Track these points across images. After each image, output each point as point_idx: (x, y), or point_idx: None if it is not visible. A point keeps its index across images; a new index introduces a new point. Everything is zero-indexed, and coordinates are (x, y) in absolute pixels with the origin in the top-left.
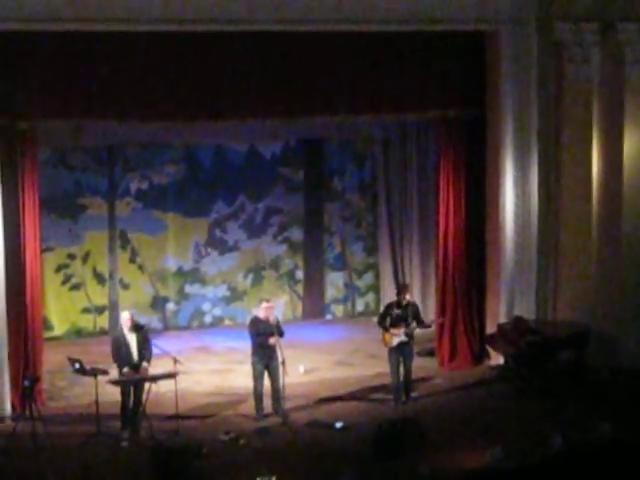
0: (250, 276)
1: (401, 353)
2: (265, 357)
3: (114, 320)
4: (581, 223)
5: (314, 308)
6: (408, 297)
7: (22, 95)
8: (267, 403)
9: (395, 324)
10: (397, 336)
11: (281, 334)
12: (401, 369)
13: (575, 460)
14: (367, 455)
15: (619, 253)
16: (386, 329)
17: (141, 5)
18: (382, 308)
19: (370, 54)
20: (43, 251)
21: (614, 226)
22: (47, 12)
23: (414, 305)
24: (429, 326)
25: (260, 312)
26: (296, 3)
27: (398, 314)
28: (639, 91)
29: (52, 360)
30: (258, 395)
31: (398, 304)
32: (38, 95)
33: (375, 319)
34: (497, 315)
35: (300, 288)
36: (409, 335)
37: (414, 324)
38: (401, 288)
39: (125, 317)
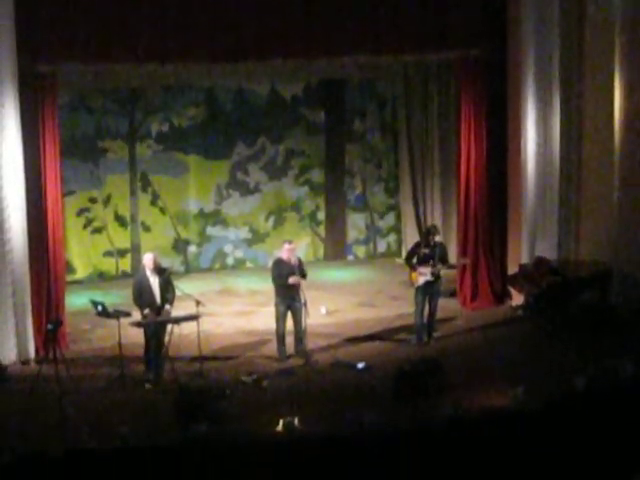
0: (272, 218)
1: (427, 292)
2: (287, 298)
3: (136, 263)
4: (603, 161)
5: (336, 249)
6: (437, 238)
7: (43, 38)
8: (289, 344)
9: (422, 263)
10: (424, 275)
11: (304, 276)
12: (425, 309)
13: (598, 400)
14: (389, 395)
15: None
16: (413, 268)
17: None
18: (404, 249)
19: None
20: (64, 195)
21: (637, 164)
22: None
23: (442, 246)
24: (455, 267)
25: (282, 254)
26: None
27: (426, 253)
28: None
29: (75, 303)
30: (280, 336)
31: (426, 244)
32: (59, 38)
33: (397, 260)
34: (519, 255)
35: (322, 229)
36: (436, 275)
37: (440, 264)
38: (430, 230)
39: (148, 259)
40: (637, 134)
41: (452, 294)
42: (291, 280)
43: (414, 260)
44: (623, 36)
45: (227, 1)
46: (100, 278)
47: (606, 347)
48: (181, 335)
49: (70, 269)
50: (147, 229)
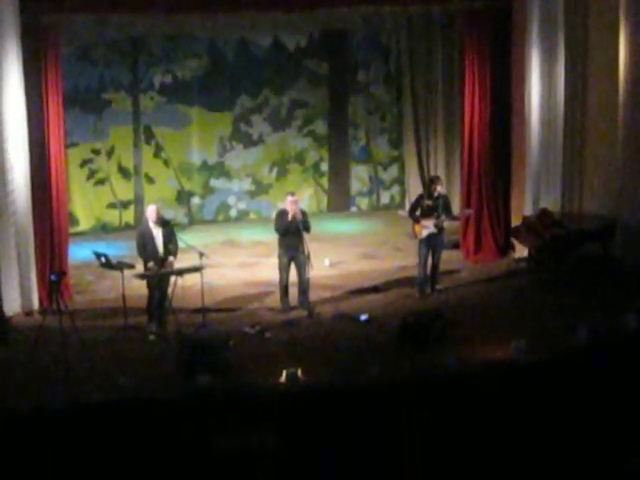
0: (275, 169)
1: (430, 245)
2: (291, 250)
3: (139, 214)
4: (608, 111)
5: (339, 201)
6: (439, 189)
7: None
8: (293, 296)
9: (426, 216)
10: (427, 228)
11: (307, 229)
12: (429, 261)
13: (601, 352)
14: (391, 347)
15: None
16: (416, 220)
17: None
18: (407, 201)
19: None
20: (67, 146)
21: None
22: None
23: (445, 197)
24: (459, 218)
25: (286, 205)
26: None
27: (429, 205)
28: None
29: (78, 255)
30: (283, 288)
31: (430, 195)
32: None
33: (400, 212)
34: (522, 207)
35: (325, 181)
36: (439, 227)
37: (444, 216)
38: (433, 180)
39: (151, 210)
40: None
41: (455, 246)
42: (290, 216)
43: (417, 212)
44: None
45: None
46: (103, 230)
47: (608, 300)
48: (185, 287)
49: (73, 221)
50: (150, 181)
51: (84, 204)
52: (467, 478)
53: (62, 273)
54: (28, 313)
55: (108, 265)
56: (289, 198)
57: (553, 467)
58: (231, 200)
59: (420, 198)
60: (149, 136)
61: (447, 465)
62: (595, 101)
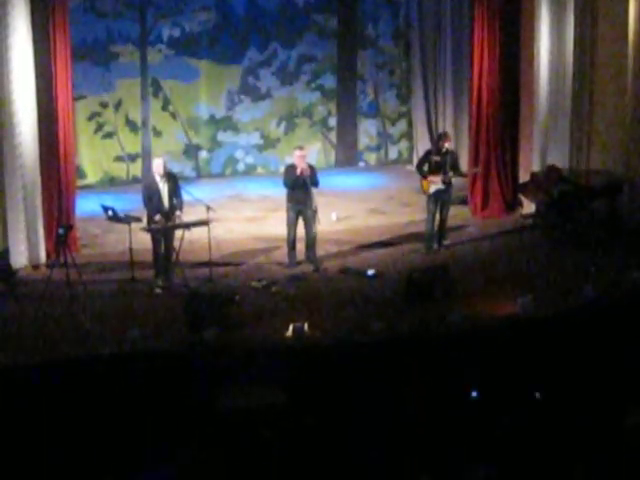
0: (283, 124)
1: (438, 200)
2: (299, 204)
3: (147, 168)
4: (617, 69)
5: (347, 156)
6: (447, 145)
7: None
8: (300, 251)
9: (434, 171)
10: (435, 183)
11: (315, 184)
12: (437, 217)
13: (606, 308)
14: (398, 302)
15: None
16: (424, 176)
17: None
18: (415, 156)
19: None
20: (75, 99)
21: None
22: None
23: (453, 153)
24: (466, 175)
25: (294, 160)
26: None
27: (437, 161)
28: None
29: (85, 208)
30: (291, 242)
31: (437, 151)
32: None
33: (408, 167)
34: (530, 164)
35: (333, 136)
36: (447, 183)
37: (452, 172)
38: (441, 136)
39: (158, 163)
40: None
41: (463, 202)
42: (298, 171)
43: (425, 168)
44: None
45: None
46: (111, 183)
47: (615, 256)
48: (191, 241)
49: (81, 174)
50: (158, 134)
51: (92, 157)
52: (465, 431)
53: (69, 226)
54: (35, 266)
55: (115, 218)
56: (297, 153)
57: (554, 423)
58: (239, 154)
59: (428, 154)
60: (157, 89)
61: (447, 418)
62: (604, 56)
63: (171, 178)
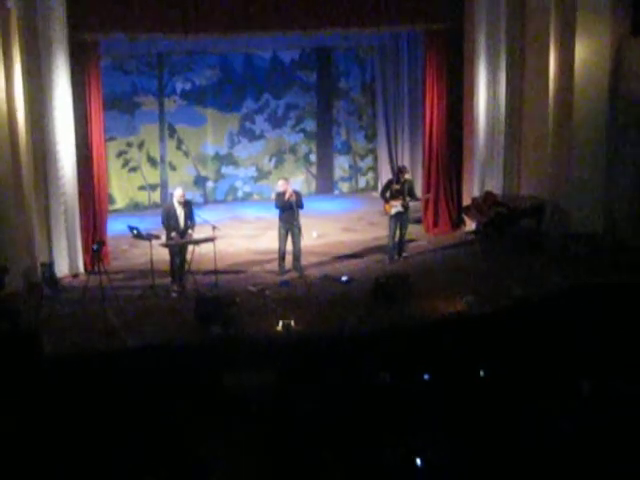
0: (273, 159)
1: (398, 220)
2: (287, 223)
3: (164, 196)
4: (540, 115)
5: (325, 185)
6: (405, 176)
7: (88, 13)
8: (288, 261)
9: (394, 197)
10: (395, 207)
11: (301, 206)
12: (397, 234)
13: (532, 305)
14: (367, 302)
15: (570, 140)
16: (387, 200)
17: None
18: (379, 185)
19: None
20: (106, 140)
21: (566, 117)
22: None
23: (410, 182)
24: (420, 200)
25: (280, 188)
26: None
27: (397, 189)
28: (589, 10)
29: (115, 228)
30: (281, 254)
31: (397, 181)
32: (100, 13)
33: (374, 194)
34: (471, 190)
35: (314, 169)
36: (405, 206)
37: (409, 198)
38: (400, 169)
39: (179, 193)
40: (566, 93)
41: (418, 221)
42: (286, 196)
43: (387, 194)
44: (556, 18)
45: None
46: (135, 208)
47: (539, 264)
48: (200, 254)
49: (111, 200)
50: (173, 168)
51: (120, 187)
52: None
53: (102, 243)
54: (75, 275)
55: (139, 236)
56: (280, 182)
57: (495, 395)
58: (238, 184)
59: (390, 183)
60: (172, 132)
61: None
62: (530, 103)
63: (187, 204)
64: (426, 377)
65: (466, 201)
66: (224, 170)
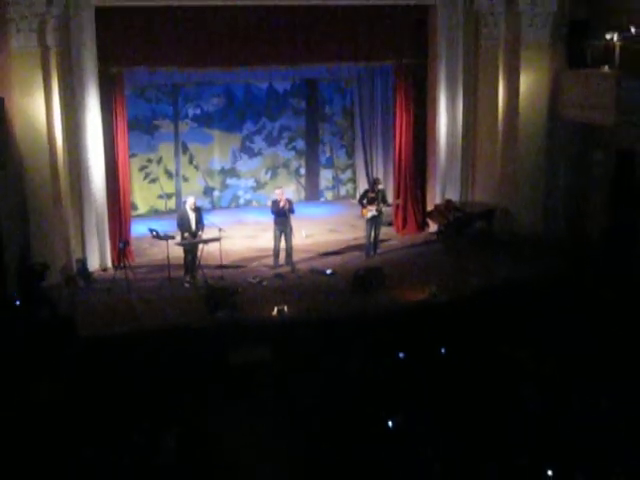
0: (269, 172)
1: (373, 223)
2: (281, 225)
3: (179, 203)
4: (491, 135)
5: (312, 193)
6: (379, 186)
7: (115, 50)
8: (281, 257)
9: (370, 203)
10: (371, 211)
11: (293, 212)
12: (372, 234)
13: (486, 293)
14: (347, 291)
15: (516, 155)
16: (364, 206)
17: None
18: (359, 193)
19: (351, 23)
20: (130, 157)
21: (512, 136)
22: None
23: (383, 191)
24: (391, 205)
25: (275, 196)
26: None
27: (372, 197)
28: (531, 47)
29: (138, 230)
30: (276, 252)
31: (372, 190)
32: (125, 50)
33: (353, 201)
34: (434, 198)
35: (303, 180)
36: (379, 211)
37: (382, 204)
38: (375, 180)
39: (191, 200)
40: (512, 116)
41: (389, 224)
42: (281, 204)
43: (364, 201)
44: (504, 54)
45: (241, 31)
46: (154, 213)
47: (491, 259)
48: (209, 251)
49: (134, 207)
50: (186, 180)
51: (142, 195)
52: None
53: (127, 242)
54: (104, 269)
55: (158, 237)
56: (276, 191)
57: (455, 369)
58: (240, 193)
59: (366, 192)
60: (185, 149)
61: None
62: (482, 126)
63: (198, 210)
64: (400, 355)
65: (430, 207)
66: (228, 181)
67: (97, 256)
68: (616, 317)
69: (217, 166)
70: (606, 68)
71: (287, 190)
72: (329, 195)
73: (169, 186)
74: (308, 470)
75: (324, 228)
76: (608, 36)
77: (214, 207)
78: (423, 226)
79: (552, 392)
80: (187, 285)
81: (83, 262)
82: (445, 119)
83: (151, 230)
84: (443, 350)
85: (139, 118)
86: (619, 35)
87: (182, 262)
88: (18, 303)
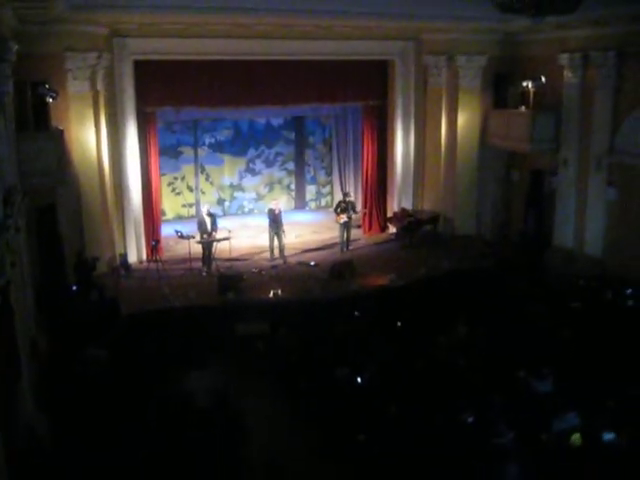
0: (267, 187)
1: (345, 227)
2: (275, 228)
3: (198, 210)
4: (435, 159)
5: (300, 204)
6: (350, 198)
7: (149, 93)
8: (276, 253)
9: (342, 211)
10: (343, 218)
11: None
12: (345, 235)
13: (432, 281)
14: (326, 279)
15: (455, 174)
16: (338, 214)
17: (216, 49)
18: (334, 204)
19: (329, 74)
20: (160, 175)
21: (452, 160)
22: (166, 49)
23: (352, 202)
24: (359, 213)
25: (271, 205)
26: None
27: (344, 206)
28: (466, 92)
29: (166, 231)
30: (271, 248)
31: (344, 201)
32: (156, 94)
33: (331, 210)
34: (393, 206)
35: (293, 194)
36: (349, 218)
37: (352, 212)
38: (346, 194)
39: (206, 208)
40: (452, 145)
41: (358, 227)
42: (276, 212)
43: (338, 210)
44: (446, 97)
45: (245, 80)
46: (179, 219)
47: (435, 254)
48: (220, 248)
49: (163, 213)
50: (203, 193)
51: (169, 205)
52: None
53: (158, 241)
54: (140, 262)
55: (182, 236)
56: (273, 202)
57: (409, 340)
58: (245, 203)
59: (340, 202)
60: (202, 169)
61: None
62: (429, 151)
63: (212, 216)
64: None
65: (389, 214)
66: (236, 194)
67: (135, 251)
68: (529, 297)
69: (227, 182)
70: (523, 108)
71: (280, 201)
72: (313, 205)
73: (190, 197)
74: (292, 414)
75: (309, 230)
76: (524, 84)
77: (225, 214)
78: (384, 228)
79: (478, 352)
80: (204, 274)
81: (124, 256)
82: (401, 147)
83: (177, 231)
84: (399, 323)
85: (167, 146)
86: (532, 83)
87: (200, 256)
88: (75, 288)
